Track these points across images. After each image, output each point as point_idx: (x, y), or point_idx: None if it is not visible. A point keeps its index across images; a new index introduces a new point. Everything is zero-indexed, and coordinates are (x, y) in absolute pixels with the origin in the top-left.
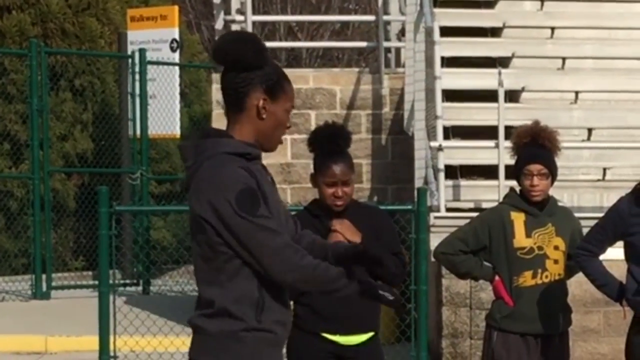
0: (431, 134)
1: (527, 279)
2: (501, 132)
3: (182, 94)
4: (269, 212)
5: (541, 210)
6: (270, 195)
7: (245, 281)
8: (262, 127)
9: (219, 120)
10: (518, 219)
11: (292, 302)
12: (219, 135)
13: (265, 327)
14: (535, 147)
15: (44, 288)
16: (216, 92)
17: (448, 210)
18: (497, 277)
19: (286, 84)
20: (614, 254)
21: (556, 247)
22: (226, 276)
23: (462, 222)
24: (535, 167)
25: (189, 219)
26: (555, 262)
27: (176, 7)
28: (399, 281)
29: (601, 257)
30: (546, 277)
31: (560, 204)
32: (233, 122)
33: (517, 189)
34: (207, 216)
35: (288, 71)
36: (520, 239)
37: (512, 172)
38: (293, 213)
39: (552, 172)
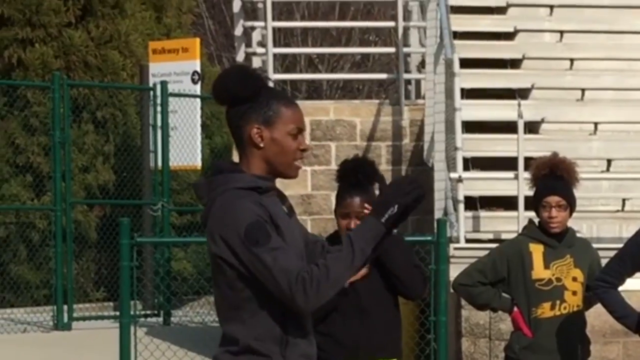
0: (451, 165)
1: (545, 310)
2: (521, 164)
3: (203, 125)
4: (283, 242)
5: (560, 241)
6: (285, 226)
7: (267, 317)
8: (266, 155)
9: None
10: (537, 250)
11: None
12: (230, 171)
13: None
14: (554, 178)
15: (65, 319)
16: None
17: (468, 241)
18: (515, 309)
19: (282, 107)
20: (633, 285)
21: (575, 279)
22: (248, 313)
23: (482, 253)
24: (554, 199)
25: (209, 257)
26: (574, 293)
27: (197, 40)
28: (421, 291)
29: (620, 288)
30: (565, 308)
31: (579, 235)
32: (241, 156)
33: (536, 220)
34: (222, 253)
35: (308, 103)
36: (539, 271)
37: (531, 204)
38: None
39: (570, 204)
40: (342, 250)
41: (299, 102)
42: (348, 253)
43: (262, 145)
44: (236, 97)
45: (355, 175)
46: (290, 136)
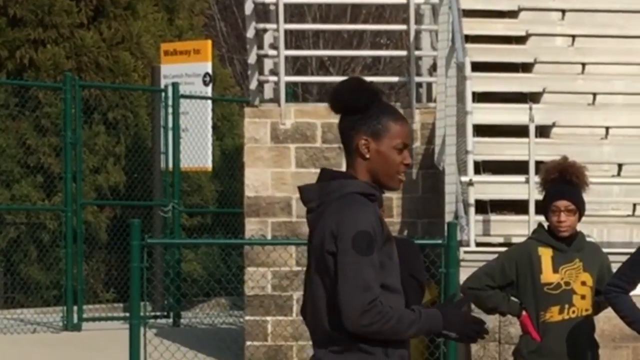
0: (462, 169)
1: (554, 314)
2: (531, 167)
3: (214, 127)
4: (389, 253)
5: (569, 245)
6: (389, 242)
7: (369, 342)
8: (371, 166)
9: (250, 154)
10: (545, 254)
11: None
12: (344, 177)
13: None
14: (563, 183)
15: (75, 320)
16: (248, 126)
17: (478, 245)
18: (524, 313)
19: (391, 122)
20: None
21: (583, 283)
22: None
23: (492, 257)
24: (563, 204)
25: (312, 258)
26: (583, 297)
27: (209, 42)
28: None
29: (632, 293)
30: (573, 312)
31: (589, 239)
32: (349, 165)
33: (545, 224)
34: (331, 247)
35: (320, 105)
36: (548, 275)
37: (540, 208)
38: None
39: (579, 208)
40: (413, 316)
41: (310, 105)
42: (415, 323)
43: (367, 156)
44: (349, 107)
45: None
46: (396, 150)
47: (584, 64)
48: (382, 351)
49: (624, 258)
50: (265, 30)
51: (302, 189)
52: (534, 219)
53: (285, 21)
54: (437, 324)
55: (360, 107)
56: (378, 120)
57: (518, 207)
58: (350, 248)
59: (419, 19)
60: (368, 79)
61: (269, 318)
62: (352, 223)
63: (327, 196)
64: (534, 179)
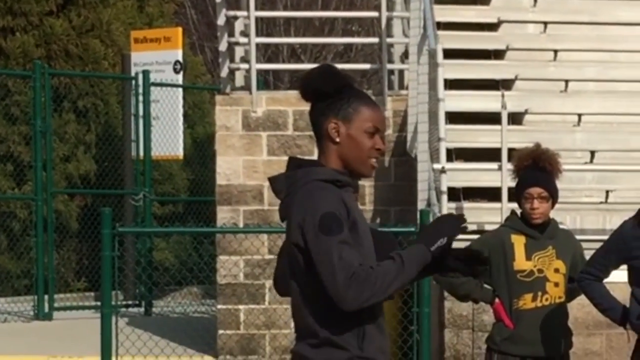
0: (434, 156)
1: (527, 301)
2: (504, 155)
3: (185, 115)
4: (356, 240)
5: (542, 233)
6: (361, 222)
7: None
8: (341, 151)
9: (222, 142)
10: (518, 241)
11: None
12: (310, 165)
13: (368, 355)
14: (536, 170)
15: (46, 309)
16: (219, 114)
17: None
18: (497, 300)
19: (362, 106)
20: (617, 277)
21: (557, 270)
22: (324, 305)
23: (465, 245)
24: (536, 191)
25: (287, 251)
26: (556, 284)
27: (180, 29)
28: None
29: (604, 280)
30: (546, 299)
31: (562, 226)
32: (320, 152)
33: (518, 211)
34: (298, 240)
35: (291, 93)
36: (521, 262)
37: (513, 195)
38: None
39: (552, 195)
40: (395, 264)
41: (281, 92)
42: (400, 268)
43: (337, 139)
44: (318, 91)
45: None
46: (367, 134)
47: (555, 51)
48: (357, 345)
49: (597, 245)
50: (236, 18)
51: (271, 180)
52: (507, 207)
53: (256, 8)
54: (422, 255)
55: (330, 92)
56: (348, 103)
57: (491, 194)
58: (318, 232)
59: (390, 6)
60: (340, 66)
61: (241, 306)
62: (314, 210)
63: (293, 186)
64: (507, 166)
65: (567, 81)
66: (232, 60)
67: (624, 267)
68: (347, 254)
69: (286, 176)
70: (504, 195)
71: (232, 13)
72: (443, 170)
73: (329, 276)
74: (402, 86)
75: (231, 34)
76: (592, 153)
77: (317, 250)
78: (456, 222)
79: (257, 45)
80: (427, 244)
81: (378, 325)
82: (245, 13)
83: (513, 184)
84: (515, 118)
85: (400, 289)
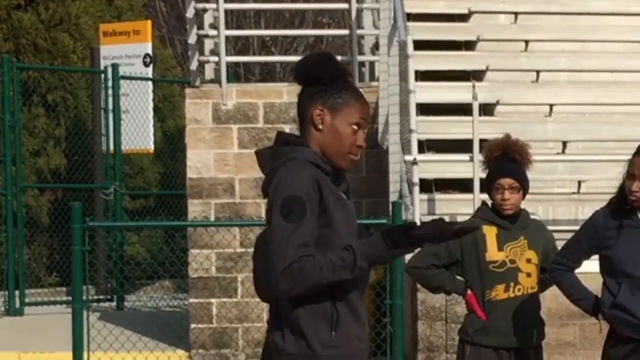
0: (405, 148)
1: (499, 292)
2: (476, 146)
3: (155, 108)
4: (325, 225)
5: (513, 223)
6: (336, 209)
7: (316, 295)
8: (322, 140)
9: (192, 135)
10: (490, 232)
11: None
12: (297, 144)
13: (340, 343)
14: (506, 161)
15: (17, 304)
16: (189, 107)
17: (423, 224)
18: (469, 291)
19: (352, 99)
20: (589, 267)
21: (529, 260)
22: None
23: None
24: (506, 181)
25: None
26: (528, 275)
27: (149, 22)
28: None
29: (576, 270)
30: (519, 290)
31: (533, 216)
32: (302, 134)
33: (489, 202)
34: (269, 216)
35: (261, 85)
36: (492, 253)
37: (484, 186)
38: None
39: (523, 186)
40: (336, 258)
41: (252, 85)
42: (345, 265)
43: (320, 127)
44: (313, 77)
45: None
46: (350, 128)
47: (527, 42)
48: (329, 332)
49: (570, 235)
50: (205, 10)
51: (257, 154)
52: (479, 197)
53: (226, 1)
54: (377, 250)
55: (324, 78)
56: (339, 94)
57: (462, 185)
58: (278, 213)
59: None
60: None
61: (213, 300)
62: (284, 187)
63: (276, 162)
64: (478, 157)
65: (538, 72)
66: (201, 53)
67: (596, 257)
68: (293, 243)
69: (272, 152)
70: (476, 186)
71: (201, 5)
72: (415, 162)
73: (271, 259)
74: (373, 78)
75: (200, 26)
76: (564, 143)
77: (271, 230)
78: (438, 239)
79: (227, 37)
80: (390, 250)
81: (354, 313)
82: (214, 5)
83: (484, 175)
84: (487, 109)
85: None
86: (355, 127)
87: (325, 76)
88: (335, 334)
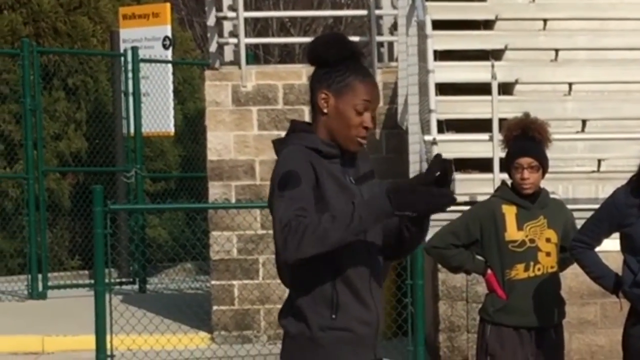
0: (425, 128)
1: (519, 272)
2: (495, 125)
3: (175, 91)
4: (310, 198)
5: (533, 202)
6: (334, 190)
7: (316, 277)
8: (328, 123)
9: (212, 118)
10: (509, 212)
11: None
12: (303, 130)
13: (340, 325)
14: (526, 140)
15: (40, 288)
16: (209, 89)
17: None
18: (489, 271)
19: (356, 81)
20: (610, 246)
21: (548, 240)
22: (298, 272)
23: (457, 216)
24: (526, 161)
25: None
26: (548, 254)
27: (168, 5)
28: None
29: (597, 249)
30: (539, 269)
31: (553, 196)
32: (312, 120)
33: (509, 182)
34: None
35: (281, 67)
36: (512, 232)
37: (504, 165)
38: None
39: (542, 165)
40: (342, 214)
41: (271, 66)
42: (347, 220)
43: (325, 111)
44: (320, 58)
45: None
46: (355, 111)
47: (545, 20)
48: (329, 315)
49: (590, 214)
50: None
51: (274, 142)
52: (499, 177)
53: None
54: (380, 207)
55: (330, 60)
56: (343, 77)
57: (482, 165)
58: (277, 189)
59: None
60: None
61: (235, 282)
62: (279, 169)
63: (283, 148)
64: (498, 136)
65: (557, 50)
66: (220, 35)
67: (616, 235)
68: (289, 205)
69: (284, 139)
70: (496, 166)
71: None
72: (434, 142)
73: (274, 230)
74: (391, 58)
75: (219, 8)
76: (584, 122)
77: (271, 206)
78: (440, 203)
79: (246, 19)
80: (395, 205)
81: (357, 296)
82: None
83: (504, 154)
84: (506, 88)
85: (346, 240)
86: (360, 109)
87: (331, 58)
88: (336, 317)
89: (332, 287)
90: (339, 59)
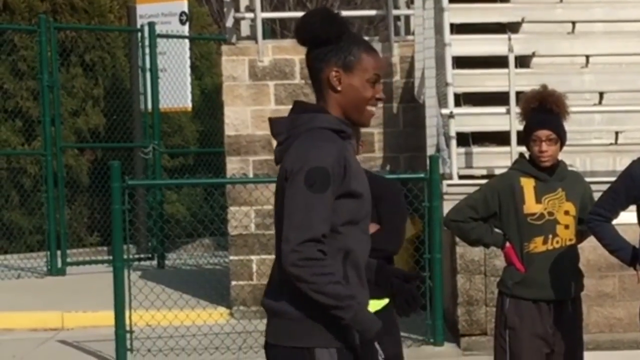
0: (442, 102)
1: (538, 245)
2: (512, 98)
3: (192, 66)
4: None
5: (551, 175)
6: (357, 176)
7: (330, 258)
8: (342, 100)
9: (229, 93)
10: (528, 184)
11: None
12: (316, 111)
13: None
14: (544, 112)
15: (59, 264)
16: (226, 64)
17: (461, 177)
18: (507, 244)
19: (363, 54)
20: (627, 218)
21: (567, 212)
22: None
23: (475, 189)
24: (544, 133)
25: (277, 195)
26: (566, 227)
27: None
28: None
29: (615, 221)
30: (557, 242)
31: (571, 168)
32: (318, 99)
33: (527, 154)
34: (284, 184)
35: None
36: (530, 205)
37: (522, 138)
38: None
39: (560, 137)
40: (345, 292)
41: (288, 41)
42: (343, 299)
43: (339, 88)
44: (318, 38)
45: None
46: (368, 84)
47: None
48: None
49: (607, 186)
50: None
51: (272, 121)
52: (516, 150)
53: None
54: (369, 327)
55: (332, 38)
56: (349, 51)
57: (500, 138)
58: (302, 182)
59: None
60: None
61: (253, 257)
62: (310, 158)
63: (295, 129)
64: (515, 109)
65: (574, 22)
66: (237, 10)
67: (633, 208)
68: (319, 217)
69: (291, 119)
70: (513, 139)
71: None
72: (451, 115)
73: (287, 229)
74: (408, 32)
75: None
76: (601, 94)
77: (291, 197)
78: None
79: None
80: (369, 334)
81: (361, 279)
82: None
83: (522, 127)
84: (523, 61)
85: (327, 306)
86: (372, 81)
87: (333, 35)
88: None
89: (343, 265)
90: (338, 35)
